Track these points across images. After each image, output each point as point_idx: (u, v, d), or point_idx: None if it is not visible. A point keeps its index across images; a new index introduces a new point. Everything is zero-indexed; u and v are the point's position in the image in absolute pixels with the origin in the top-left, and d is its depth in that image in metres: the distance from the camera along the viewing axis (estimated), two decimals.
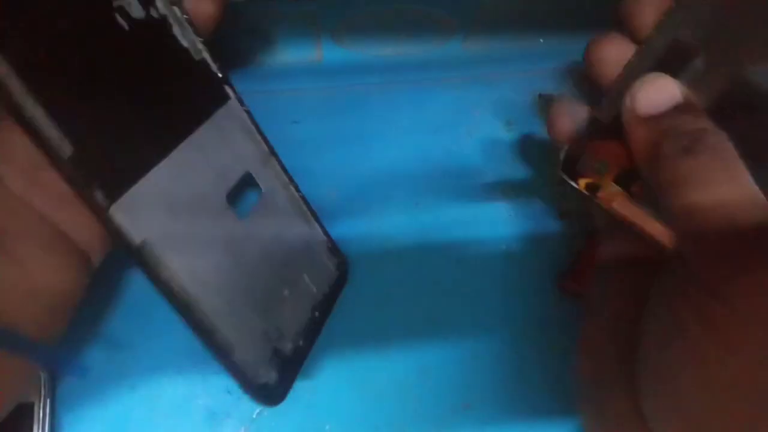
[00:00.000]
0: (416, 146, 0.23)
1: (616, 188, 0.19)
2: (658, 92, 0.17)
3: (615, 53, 0.19)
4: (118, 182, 0.17)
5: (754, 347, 0.14)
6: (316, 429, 0.22)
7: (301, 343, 0.21)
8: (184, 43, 0.19)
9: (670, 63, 0.18)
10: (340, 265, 0.24)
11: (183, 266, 0.18)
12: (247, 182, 0.21)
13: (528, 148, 0.28)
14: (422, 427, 0.23)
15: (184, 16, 0.19)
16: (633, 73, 0.18)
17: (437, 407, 0.23)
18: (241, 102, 0.21)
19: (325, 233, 0.24)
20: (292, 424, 0.22)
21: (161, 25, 0.19)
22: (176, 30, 0.19)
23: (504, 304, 0.25)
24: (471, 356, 0.24)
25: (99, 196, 0.17)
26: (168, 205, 0.18)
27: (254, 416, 0.22)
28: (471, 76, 0.29)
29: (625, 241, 0.21)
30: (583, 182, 0.20)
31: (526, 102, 0.29)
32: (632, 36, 0.19)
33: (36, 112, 0.15)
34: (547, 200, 0.27)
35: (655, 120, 0.17)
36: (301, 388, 0.23)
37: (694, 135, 0.16)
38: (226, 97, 0.21)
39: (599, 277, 0.21)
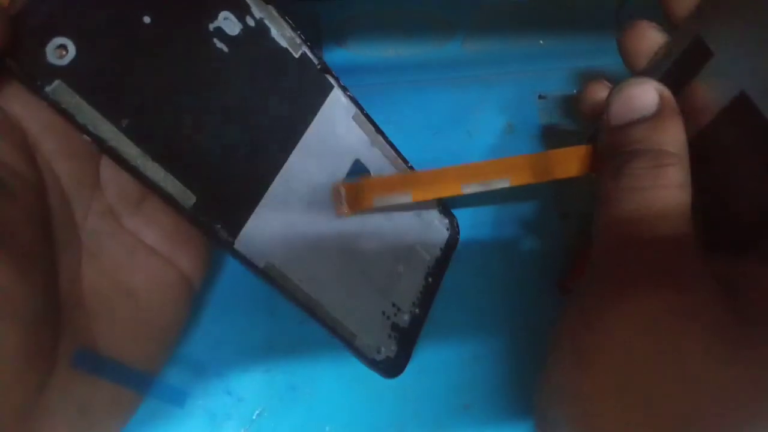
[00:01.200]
0: (416, 146, 0.23)
1: None
2: (630, 101, 0.17)
3: (646, 44, 0.18)
4: (240, 214, 0.17)
5: (602, 377, 0.14)
6: (316, 429, 0.22)
7: (417, 311, 0.22)
8: (283, 44, 0.18)
9: (691, 61, 0.17)
10: (451, 225, 0.24)
11: (304, 274, 0.18)
12: (355, 169, 0.21)
13: (528, 148, 0.28)
14: (422, 427, 0.23)
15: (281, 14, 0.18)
16: (654, 68, 0.18)
17: (437, 408, 0.23)
18: (343, 88, 0.20)
19: None
20: (292, 425, 0.22)
21: (258, 33, 0.18)
22: (274, 32, 0.18)
23: (504, 304, 0.25)
24: (471, 356, 0.24)
25: (223, 234, 0.16)
26: (284, 220, 0.18)
27: (254, 417, 0.22)
28: (471, 76, 0.29)
29: None
30: None
31: (526, 102, 0.29)
32: (668, 23, 0.18)
33: (155, 171, 0.15)
34: (547, 200, 0.27)
35: (617, 131, 0.17)
36: (301, 389, 0.23)
37: (627, 157, 0.16)
38: (329, 87, 0.20)
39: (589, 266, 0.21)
